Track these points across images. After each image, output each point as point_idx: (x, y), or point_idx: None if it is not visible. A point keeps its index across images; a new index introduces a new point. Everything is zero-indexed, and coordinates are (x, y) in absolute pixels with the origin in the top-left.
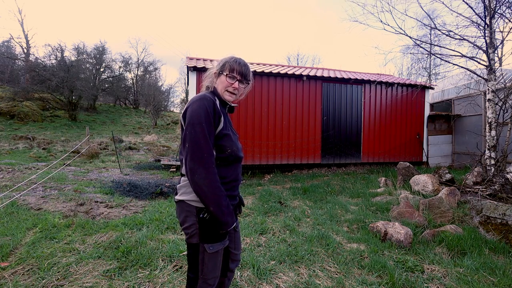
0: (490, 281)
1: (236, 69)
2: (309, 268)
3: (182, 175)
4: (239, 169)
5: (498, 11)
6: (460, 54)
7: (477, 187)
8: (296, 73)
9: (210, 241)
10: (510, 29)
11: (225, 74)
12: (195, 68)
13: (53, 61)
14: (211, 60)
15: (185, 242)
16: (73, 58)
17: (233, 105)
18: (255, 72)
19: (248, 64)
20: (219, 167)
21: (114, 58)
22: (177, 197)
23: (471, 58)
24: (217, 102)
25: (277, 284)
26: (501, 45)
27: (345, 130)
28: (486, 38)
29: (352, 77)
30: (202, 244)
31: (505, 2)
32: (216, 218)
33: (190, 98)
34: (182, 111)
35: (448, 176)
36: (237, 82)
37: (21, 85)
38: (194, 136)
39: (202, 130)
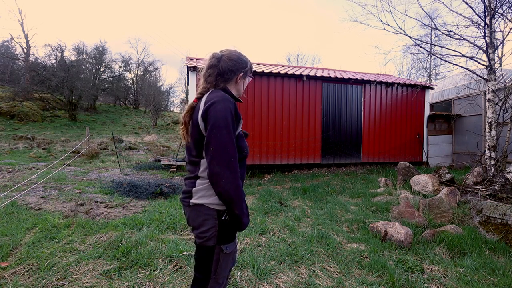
0: (490, 281)
1: (251, 69)
2: (309, 268)
3: (198, 177)
4: (244, 168)
5: (498, 11)
6: (460, 54)
7: (477, 187)
8: (296, 73)
9: (227, 242)
10: (511, 29)
11: (249, 75)
12: (195, 68)
13: (53, 61)
14: None
15: (197, 245)
16: (73, 58)
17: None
18: (255, 72)
19: None
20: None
21: (114, 58)
22: (194, 201)
23: (471, 58)
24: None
25: (277, 284)
26: (501, 45)
27: (345, 130)
28: (486, 38)
29: (352, 77)
30: (218, 246)
31: (505, 2)
32: (238, 220)
33: (190, 98)
34: (201, 112)
35: (448, 176)
36: (250, 80)
37: (21, 85)
38: (221, 140)
39: (228, 133)
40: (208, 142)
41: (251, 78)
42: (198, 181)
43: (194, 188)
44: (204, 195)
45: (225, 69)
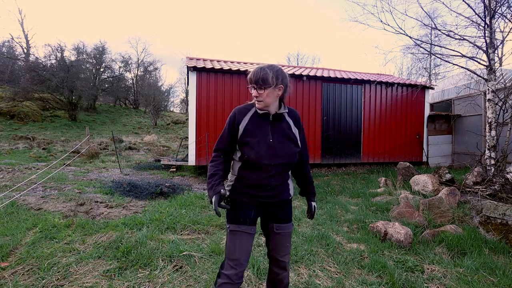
0: (490, 281)
1: (250, 78)
2: (309, 268)
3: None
4: (262, 175)
5: (498, 11)
6: (460, 54)
7: (477, 187)
8: (296, 73)
9: (229, 221)
10: (510, 29)
11: (247, 85)
12: (195, 68)
13: (53, 61)
14: (211, 60)
15: None
16: (73, 58)
17: (281, 111)
18: None
19: (264, 67)
20: (243, 168)
21: (114, 58)
22: None
23: (471, 58)
24: (251, 113)
25: None
26: (501, 45)
27: (345, 130)
28: (486, 38)
29: (352, 77)
30: (226, 223)
31: (505, 2)
32: None
33: (190, 98)
34: None
35: (448, 176)
36: (254, 90)
37: (21, 85)
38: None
39: (223, 130)
40: None
41: (252, 89)
42: None
43: None
44: None
45: None
